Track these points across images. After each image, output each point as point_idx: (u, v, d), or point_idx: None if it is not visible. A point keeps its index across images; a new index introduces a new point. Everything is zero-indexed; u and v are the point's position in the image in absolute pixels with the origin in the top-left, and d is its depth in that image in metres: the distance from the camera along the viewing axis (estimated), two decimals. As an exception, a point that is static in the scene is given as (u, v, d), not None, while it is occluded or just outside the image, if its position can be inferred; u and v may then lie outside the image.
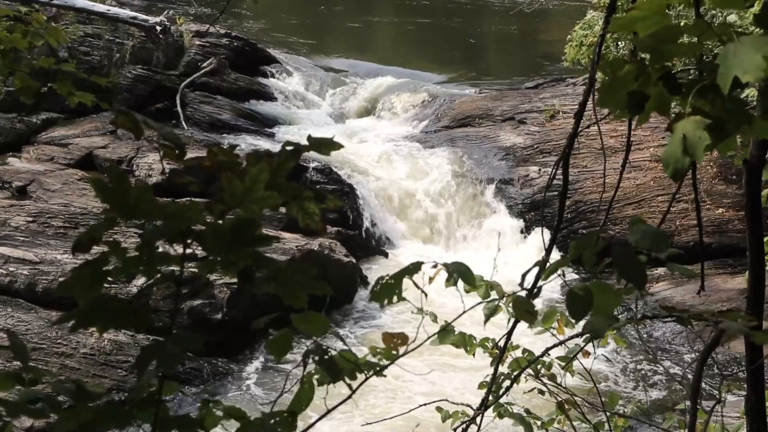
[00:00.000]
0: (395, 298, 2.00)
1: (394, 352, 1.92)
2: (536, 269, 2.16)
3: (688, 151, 1.46)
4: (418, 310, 2.73)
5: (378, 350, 1.93)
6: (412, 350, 1.94)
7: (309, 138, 1.45)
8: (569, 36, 12.34)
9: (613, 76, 1.54)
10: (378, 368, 1.87)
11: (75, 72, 2.82)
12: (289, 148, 1.42)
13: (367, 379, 1.78)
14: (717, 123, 1.44)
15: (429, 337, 2.26)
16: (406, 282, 2.10)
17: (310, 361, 1.63)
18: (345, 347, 1.75)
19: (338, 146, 1.47)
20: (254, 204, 1.36)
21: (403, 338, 1.93)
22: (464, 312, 2.21)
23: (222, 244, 1.36)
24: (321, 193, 1.45)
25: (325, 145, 1.46)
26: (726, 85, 1.36)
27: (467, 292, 2.41)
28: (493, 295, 2.79)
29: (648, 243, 1.54)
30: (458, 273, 2.10)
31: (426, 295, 2.19)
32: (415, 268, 1.94)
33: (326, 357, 1.61)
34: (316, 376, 1.72)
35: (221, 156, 1.40)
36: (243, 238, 1.36)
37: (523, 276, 2.17)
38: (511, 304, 1.98)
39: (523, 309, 1.87)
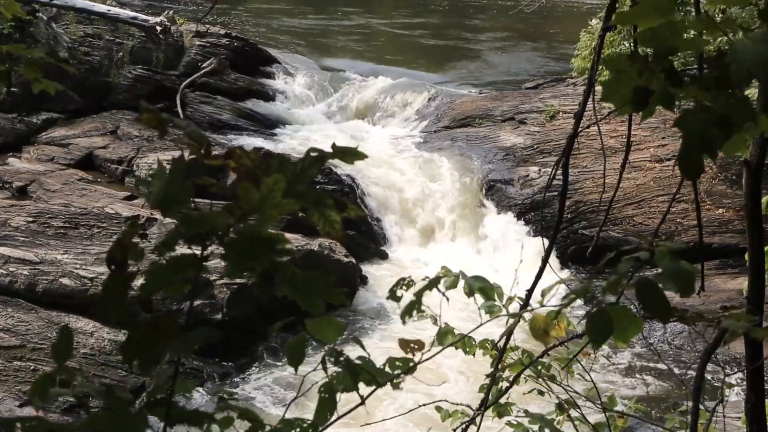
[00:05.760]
0: (415, 313, 2.01)
1: (411, 362, 1.89)
2: (552, 286, 2.15)
3: (704, 149, 1.45)
4: (431, 318, 2.71)
5: (396, 361, 1.90)
6: (427, 359, 1.92)
7: (333, 146, 1.44)
8: (576, 49, 12.31)
9: (615, 72, 1.54)
10: (395, 378, 1.84)
11: (44, 57, 2.77)
12: (313, 154, 1.41)
13: (378, 387, 1.76)
14: (723, 119, 1.44)
15: (441, 349, 2.26)
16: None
17: (329, 365, 1.61)
18: (365, 354, 1.71)
19: (362, 156, 1.45)
20: (271, 210, 1.36)
21: (419, 345, 1.91)
22: (479, 326, 2.20)
23: (243, 251, 1.37)
24: (342, 201, 1.44)
25: (349, 154, 1.45)
26: (740, 80, 1.36)
27: (468, 296, 2.41)
28: (508, 305, 2.77)
29: (676, 286, 1.53)
30: (479, 290, 2.12)
31: (444, 292, 2.19)
32: (433, 282, 1.96)
33: (344, 363, 1.59)
34: (339, 386, 1.67)
35: (245, 160, 1.40)
36: (264, 248, 1.36)
37: (528, 293, 2.17)
38: (528, 323, 1.98)
39: (541, 329, 1.87)
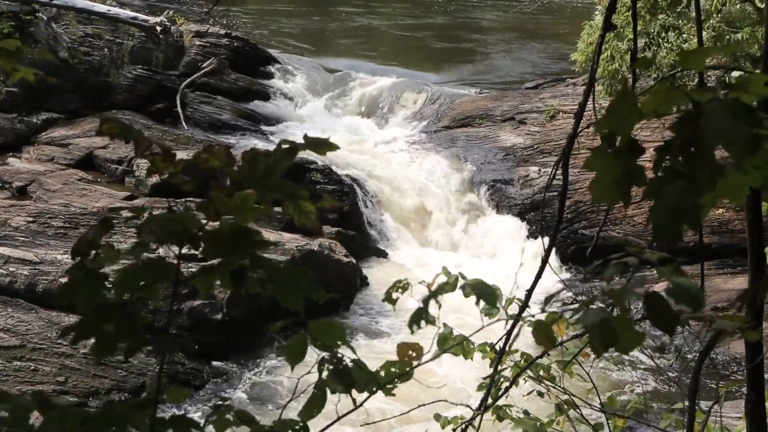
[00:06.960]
0: (423, 323, 2.00)
1: (408, 368, 1.88)
2: (555, 290, 2.15)
3: (678, 217, 1.44)
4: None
5: (393, 365, 1.89)
6: (426, 362, 1.91)
7: (305, 137, 1.44)
8: (579, 43, 12.30)
9: (597, 171, 1.55)
10: (390, 383, 1.83)
11: (20, 47, 2.72)
12: (285, 146, 1.41)
13: (374, 393, 1.75)
14: (691, 181, 1.44)
15: (438, 355, 2.24)
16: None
17: (325, 369, 1.60)
18: (355, 356, 1.71)
19: (334, 147, 1.45)
20: (245, 213, 1.35)
21: (418, 350, 1.90)
22: (480, 329, 2.20)
23: (220, 247, 1.36)
24: (317, 192, 1.44)
25: (321, 145, 1.45)
26: (708, 156, 1.37)
27: (466, 296, 2.41)
28: (507, 306, 2.77)
29: (685, 301, 1.53)
30: (483, 296, 2.12)
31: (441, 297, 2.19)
32: (440, 290, 1.96)
33: (341, 367, 1.59)
34: (337, 387, 1.66)
35: (213, 161, 1.39)
36: (241, 242, 1.35)
37: (528, 293, 2.17)
38: (532, 329, 1.98)
39: (543, 334, 1.87)
